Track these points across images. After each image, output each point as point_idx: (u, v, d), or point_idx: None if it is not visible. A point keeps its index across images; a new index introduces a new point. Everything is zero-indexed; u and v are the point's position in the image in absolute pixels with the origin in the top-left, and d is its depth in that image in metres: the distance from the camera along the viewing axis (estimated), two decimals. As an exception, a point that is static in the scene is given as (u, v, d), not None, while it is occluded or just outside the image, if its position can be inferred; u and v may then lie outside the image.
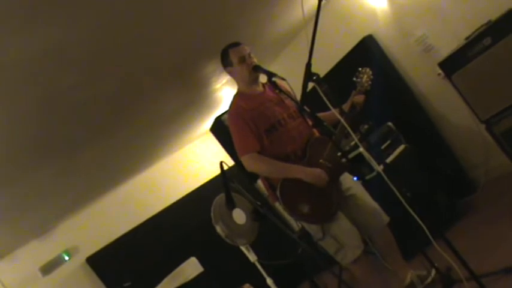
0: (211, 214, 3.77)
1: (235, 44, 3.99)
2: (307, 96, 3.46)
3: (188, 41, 4.77)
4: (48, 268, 7.09)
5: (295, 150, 3.90)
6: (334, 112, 3.34)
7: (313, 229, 4.01)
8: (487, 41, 4.56)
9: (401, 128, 5.45)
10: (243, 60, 3.92)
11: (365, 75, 3.94)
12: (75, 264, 7.30)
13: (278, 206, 4.01)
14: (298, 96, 3.58)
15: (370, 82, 3.95)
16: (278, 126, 3.89)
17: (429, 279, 4.08)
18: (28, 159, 4.76)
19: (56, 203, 6.44)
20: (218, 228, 3.78)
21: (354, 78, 3.94)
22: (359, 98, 3.91)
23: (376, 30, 5.95)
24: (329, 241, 3.98)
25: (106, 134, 5.49)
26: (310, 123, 3.89)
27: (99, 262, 7.30)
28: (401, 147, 5.30)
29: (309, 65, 3.27)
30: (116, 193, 7.78)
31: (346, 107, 3.83)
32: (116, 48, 3.96)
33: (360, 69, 3.98)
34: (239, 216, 3.96)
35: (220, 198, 4.00)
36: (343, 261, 4.07)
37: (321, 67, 5.72)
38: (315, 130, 3.96)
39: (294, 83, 3.74)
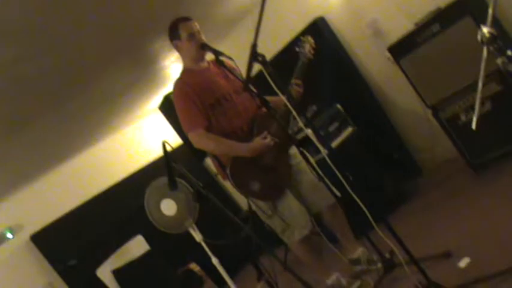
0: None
1: (186, 19, 3.94)
2: (254, 78, 3.44)
3: (136, 16, 4.69)
4: (-10, 246, 6.97)
5: (241, 125, 3.89)
6: (281, 96, 3.32)
7: (261, 207, 4.01)
8: (436, 27, 4.60)
9: (350, 110, 5.47)
10: (192, 36, 3.88)
11: (307, 44, 3.93)
12: (19, 241, 7.15)
13: (227, 183, 4.00)
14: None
15: (312, 51, 3.93)
16: (223, 101, 3.86)
17: (375, 265, 4.13)
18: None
19: (-1, 179, 6.32)
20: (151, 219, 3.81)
21: (296, 48, 3.92)
22: (296, 91, 3.88)
23: (327, 11, 5.93)
24: (276, 220, 4.00)
25: (51, 110, 5.38)
26: (256, 102, 3.88)
27: (43, 240, 7.19)
28: (349, 129, 5.34)
29: (254, 45, 3.24)
30: (62, 170, 7.65)
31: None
32: (59, 22, 3.86)
33: (302, 38, 3.96)
34: (169, 207, 3.97)
35: (151, 189, 4.00)
36: (289, 240, 4.10)
37: (271, 48, 5.72)
38: (261, 109, 3.95)
39: (241, 65, 3.71)
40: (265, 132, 3.81)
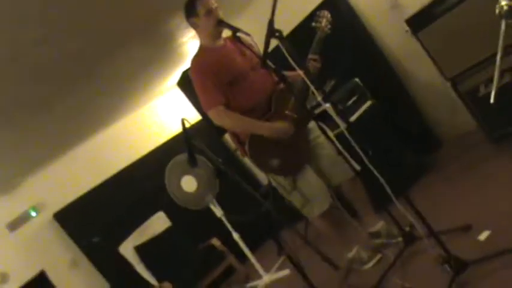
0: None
1: None
2: (271, 53, 3.44)
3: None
4: (15, 224, 7.05)
5: (259, 102, 3.89)
6: (298, 71, 3.32)
7: (280, 183, 4.04)
8: (454, -1, 4.56)
9: (368, 84, 5.45)
10: (209, 12, 3.86)
11: (324, 19, 3.91)
12: (42, 220, 7.26)
13: (247, 160, 4.02)
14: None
15: (329, 25, 3.91)
16: (241, 79, 3.86)
17: (395, 239, 4.15)
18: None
19: (21, 159, 6.37)
20: (172, 196, 3.84)
21: (313, 23, 3.90)
22: (313, 65, 3.86)
23: (344, -15, 5.88)
24: (296, 195, 4.03)
25: (70, 90, 5.41)
26: (274, 78, 3.89)
27: (66, 218, 7.27)
28: (368, 103, 5.32)
29: (271, 21, 3.24)
30: (83, 148, 7.71)
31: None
32: (76, 3, 3.87)
33: (318, 12, 3.94)
34: (189, 183, 4.01)
35: (171, 166, 4.03)
36: (309, 215, 4.12)
37: (287, 23, 5.69)
38: (279, 84, 3.95)
39: (258, 40, 3.70)
40: (288, 118, 3.81)
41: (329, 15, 3.95)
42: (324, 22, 3.90)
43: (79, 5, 3.87)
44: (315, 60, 3.87)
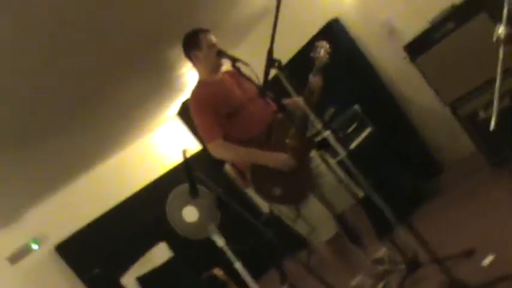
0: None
1: (206, 30, 3.96)
2: (270, 83, 3.45)
3: (152, 25, 4.73)
4: (16, 257, 7.03)
5: (258, 133, 3.89)
6: (296, 100, 3.33)
7: (284, 212, 4.02)
8: (451, 24, 4.60)
9: (368, 111, 5.46)
10: (212, 46, 3.91)
11: (322, 49, 3.92)
12: (44, 252, 7.24)
13: (249, 191, 4.01)
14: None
15: (327, 56, 3.93)
16: (239, 110, 3.87)
17: (398, 265, 4.12)
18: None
19: (22, 191, 6.37)
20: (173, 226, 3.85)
21: (312, 54, 3.92)
22: (316, 82, 3.88)
23: (342, 13, 5.94)
24: (301, 224, 4.00)
25: (70, 123, 5.44)
26: (274, 108, 3.90)
27: (68, 250, 7.26)
28: (368, 130, 5.33)
29: (270, 51, 3.26)
30: (83, 180, 7.71)
31: (305, 93, 3.81)
32: (77, 31, 3.90)
33: (317, 43, 3.96)
34: (191, 213, 3.99)
35: (172, 197, 4.02)
36: (316, 241, 4.10)
37: (286, 52, 5.73)
38: (278, 114, 3.96)
39: (258, 69, 3.72)
40: (288, 154, 3.81)
41: (327, 46, 3.96)
42: (322, 52, 3.91)
43: (78, 31, 3.91)
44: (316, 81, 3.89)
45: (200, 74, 4.05)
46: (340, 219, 4.21)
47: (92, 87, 5.07)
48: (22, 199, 6.71)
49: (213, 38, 3.94)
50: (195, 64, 4.07)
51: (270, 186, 3.84)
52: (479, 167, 5.01)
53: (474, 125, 4.75)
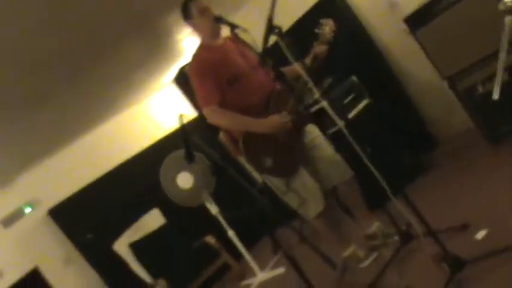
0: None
1: None
2: (270, 50, 3.42)
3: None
4: (9, 220, 7.02)
5: (256, 102, 3.88)
6: (296, 66, 3.30)
7: (275, 184, 4.02)
8: (451, -3, 4.55)
9: (365, 83, 5.43)
10: (203, 12, 3.89)
11: (327, 27, 3.89)
12: (37, 216, 7.23)
13: (241, 159, 4.00)
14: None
15: (332, 33, 3.90)
16: (240, 78, 3.85)
17: (391, 238, 4.14)
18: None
19: (16, 154, 6.34)
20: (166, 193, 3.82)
21: (316, 30, 3.88)
22: (321, 49, 3.85)
23: (342, -17, 5.87)
24: (291, 196, 4.00)
25: (66, 86, 5.39)
26: (272, 76, 3.87)
27: (61, 214, 7.25)
28: (365, 101, 5.30)
29: (270, 18, 3.22)
30: (78, 144, 7.69)
31: (308, 59, 3.79)
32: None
33: (322, 20, 3.92)
34: (185, 180, 3.98)
35: (167, 163, 4.01)
36: (306, 215, 4.11)
37: (286, 20, 5.67)
38: (277, 83, 3.94)
39: (257, 36, 3.68)
40: (284, 113, 3.79)
41: (333, 23, 3.92)
42: (327, 29, 3.87)
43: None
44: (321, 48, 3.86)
45: (201, 38, 4.03)
46: (332, 192, 4.22)
47: (89, 51, 5.03)
48: (16, 163, 6.69)
49: (204, 4, 3.92)
50: (194, 31, 4.06)
51: (261, 157, 3.84)
52: (475, 142, 5.01)
53: (472, 99, 4.73)
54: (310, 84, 3.30)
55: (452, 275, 3.08)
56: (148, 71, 7.16)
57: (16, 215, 7.07)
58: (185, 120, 3.37)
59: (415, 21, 4.82)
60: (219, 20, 3.85)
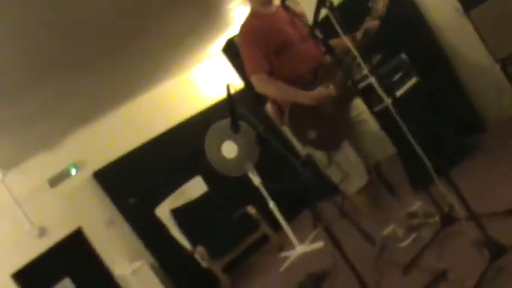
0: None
1: None
2: (320, 23, 3.40)
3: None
4: (55, 180, 7.19)
5: (304, 73, 3.87)
6: (346, 40, 3.28)
7: (318, 156, 4.03)
8: (510, -22, 4.44)
9: (415, 61, 5.36)
10: None
11: (381, 1, 3.84)
12: (82, 178, 7.39)
13: (285, 130, 4.01)
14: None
15: (385, 8, 3.84)
16: (288, 47, 3.84)
17: (432, 219, 4.10)
18: (36, 75, 4.74)
19: (64, 116, 6.46)
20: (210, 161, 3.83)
21: (370, 3, 3.84)
22: (373, 24, 3.79)
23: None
24: (334, 169, 4.01)
25: (117, 50, 5.44)
26: (321, 49, 3.85)
27: (105, 177, 7.39)
28: (413, 80, 5.22)
29: (322, -9, 3.20)
30: (125, 109, 7.80)
31: (359, 33, 3.75)
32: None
33: None
34: (230, 149, 3.99)
35: (212, 131, 4.00)
36: (347, 190, 4.11)
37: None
38: (326, 56, 3.92)
39: (308, 8, 3.66)
40: (329, 84, 3.78)
41: (386, 0, 3.85)
42: (381, 4, 3.82)
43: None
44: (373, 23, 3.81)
45: (252, 5, 4.02)
46: (375, 168, 4.20)
47: (138, 16, 5.06)
48: (64, 125, 6.82)
49: None
50: None
51: (306, 129, 3.84)
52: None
53: (524, 84, 4.64)
54: (359, 60, 3.28)
55: (491, 261, 3.04)
56: (197, 40, 7.17)
57: (62, 176, 7.23)
58: (232, 90, 3.37)
59: (470, 1, 4.73)
60: (270, -9, 3.85)
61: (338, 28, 3.16)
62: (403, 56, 5.30)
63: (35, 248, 6.75)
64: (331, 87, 3.76)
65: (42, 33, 4.04)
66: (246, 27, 3.96)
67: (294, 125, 3.85)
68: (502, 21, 4.58)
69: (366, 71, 3.40)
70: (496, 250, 3.04)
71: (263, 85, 3.86)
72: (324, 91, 3.75)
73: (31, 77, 4.71)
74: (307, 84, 3.84)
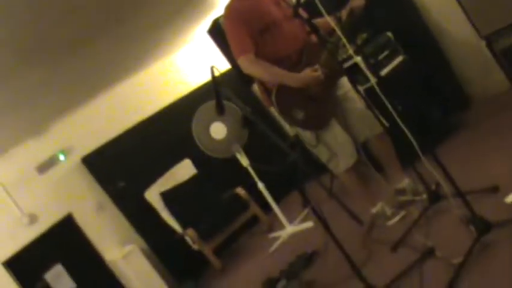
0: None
1: None
2: (305, 2, 3.39)
3: None
4: (44, 167, 7.18)
5: (289, 53, 3.87)
6: (330, 21, 3.28)
7: (306, 136, 4.03)
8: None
9: (401, 39, 5.36)
10: None
11: None
12: (70, 163, 7.37)
13: (273, 110, 4.01)
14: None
15: None
16: (273, 27, 3.84)
17: (420, 196, 4.12)
18: (20, 59, 4.71)
19: (51, 102, 6.43)
20: (198, 143, 3.82)
21: None
22: (358, 3, 3.78)
23: None
24: (322, 149, 4.02)
25: (102, 34, 5.40)
26: (306, 28, 3.84)
27: (94, 162, 7.38)
28: (399, 58, 5.22)
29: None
30: (112, 93, 7.76)
31: (344, 13, 3.74)
32: None
33: None
34: (218, 130, 3.98)
35: (199, 113, 4.00)
36: (335, 169, 4.13)
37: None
38: (311, 36, 3.91)
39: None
40: (317, 66, 3.77)
41: None
42: None
43: None
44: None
45: (236, -14, 4.01)
46: (363, 147, 4.21)
47: (122, 1, 5.03)
48: (50, 111, 6.80)
49: None
50: None
51: (293, 109, 3.84)
52: (510, 105, 4.93)
53: (509, 60, 4.64)
54: (344, 40, 3.28)
55: (478, 237, 3.06)
56: (181, 22, 7.13)
57: (51, 162, 7.22)
58: (217, 72, 3.37)
59: (455, -22, 4.72)
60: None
61: (321, 8, 3.15)
62: (389, 34, 5.30)
63: (26, 235, 6.76)
64: (318, 69, 3.75)
65: (25, 18, 4.00)
66: (231, 8, 3.95)
67: (281, 105, 3.85)
68: (486, -2, 4.58)
69: (351, 50, 3.39)
70: (482, 227, 3.06)
71: (250, 66, 3.85)
72: (311, 74, 3.75)
73: (15, 63, 4.68)
74: (293, 65, 3.84)
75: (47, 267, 6.71)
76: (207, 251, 6.63)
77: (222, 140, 4.49)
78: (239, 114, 3.59)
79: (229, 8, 3.96)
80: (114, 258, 7.04)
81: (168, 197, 6.99)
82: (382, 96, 3.21)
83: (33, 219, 6.88)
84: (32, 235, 6.78)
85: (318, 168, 4.50)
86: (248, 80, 4.42)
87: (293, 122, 3.93)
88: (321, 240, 4.55)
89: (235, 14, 3.88)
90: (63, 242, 6.96)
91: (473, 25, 4.75)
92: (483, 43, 4.76)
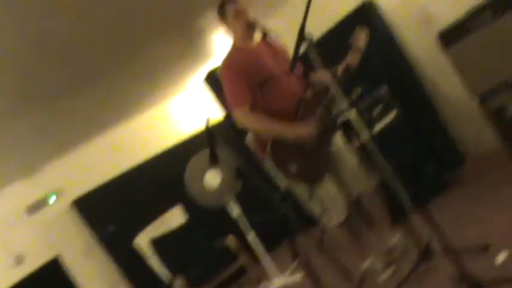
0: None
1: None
2: (301, 58, 3.43)
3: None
4: (34, 209, 7.13)
5: (286, 108, 3.88)
6: (326, 76, 3.31)
7: (299, 189, 4.03)
8: (488, 15, 4.50)
9: (395, 94, 5.40)
10: (237, 15, 3.90)
11: (362, 35, 3.87)
12: (61, 206, 7.32)
13: (266, 161, 4.02)
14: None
15: (365, 45, 3.87)
16: (271, 82, 3.85)
17: (411, 253, 4.11)
18: (18, 104, 4.74)
19: (44, 143, 6.43)
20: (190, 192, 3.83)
21: (350, 40, 3.87)
22: (354, 59, 3.82)
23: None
24: (314, 203, 4.01)
25: (98, 78, 5.45)
26: (303, 83, 3.88)
27: (85, 205, 7.32)
28: (393, 113, 5.26)
29: (302, 27, 3.23)
30: (106, 137, 7.77)
31: (340, 68, 3.78)
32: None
33: (358, 28, 3.91)
34: (210, 180, 3.98)
35: (192, 163, 4.01)
36: (328, 223, 4.11)
37: (317, 28, 5.66)
38: (308, 90, 3.94)
39: (290, 42, 3.69)
40: (311, 121, 3.80)
41: (368, 33, 3.89)
42: (362, 38, 3.86)
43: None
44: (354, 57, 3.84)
45: (234, 40, 4.05)
46: (356, 202, 4.21)
47: (121, 47, 5.09)
48: (43, 152, 6.79)
49: (241, 5, 3.93)
50: (227, 31, 4.07)
51: (288, 162, 3.84)
52: (502, 163, 4.95)
53: (502, 119, 4.68)
54: (339, 96, 3.30)
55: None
56: (178, 70, 7.19)
57: (40, 204, 7.18)
58: (211, 123, 3.39)
59: (449, 37, 4.79)
60: (251, 27, 3.88)
61: (317, 64, 3.18)
62: (384, 88, 5.34)
63: (12, 276, 6.66)
64: (313, 124, 3.77)
65: (23, 66, 4.04)
66: (228, 60, 3.98)
67: (276, 157, 3.85)
68: (480, 58, 4.65)
69: (345, 106, 3.42)
70: (473, 286, 3.05)
71: (246, 119, 3.85)
72: (306, 129, 3.77)
73: (10, 107, 4.70)
74: (289, 119, 3.86)
75: (31, 310, 6.60)
76: (196, 300, 6.54)
77: (213, 191, 4.47)
78: (231, 166, 3.60)
79: (227, 60, 3.99)
80: (101, 304, 6.94)
81: (158, 244, 6.93)
82: (375, 153, 3.23)
83: (19, 260, 6.80)
84: (18, 276, 6.68)
85: (310, 221, 4.49)
86: (242, 130, 4.43)
87: (288, 174, 3.92)
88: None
89: (234, 65, 3.91)
90: (50, 284, 6.86)
91: (467, 83, 4.82)
92: (476, 101, 4.82)
